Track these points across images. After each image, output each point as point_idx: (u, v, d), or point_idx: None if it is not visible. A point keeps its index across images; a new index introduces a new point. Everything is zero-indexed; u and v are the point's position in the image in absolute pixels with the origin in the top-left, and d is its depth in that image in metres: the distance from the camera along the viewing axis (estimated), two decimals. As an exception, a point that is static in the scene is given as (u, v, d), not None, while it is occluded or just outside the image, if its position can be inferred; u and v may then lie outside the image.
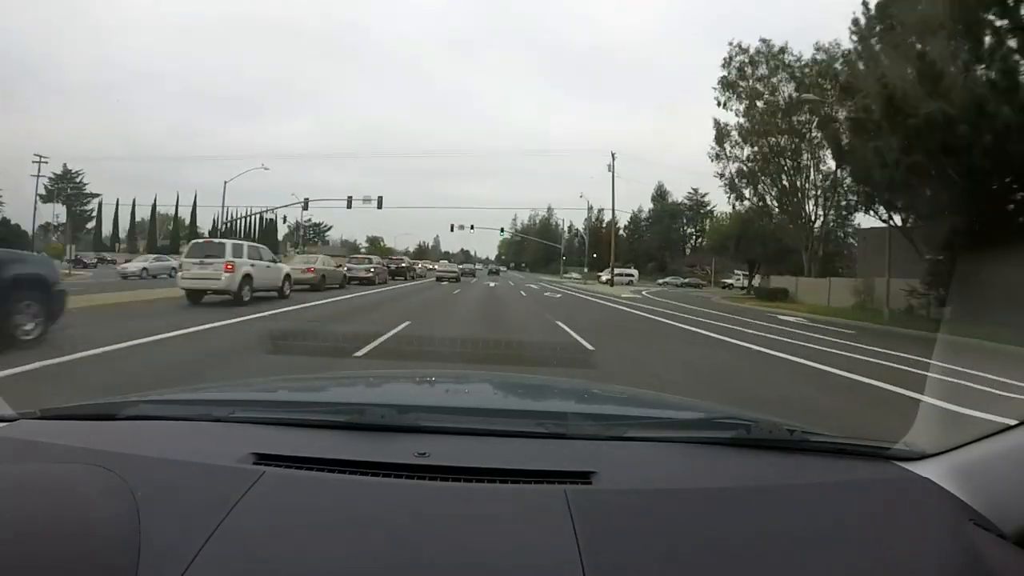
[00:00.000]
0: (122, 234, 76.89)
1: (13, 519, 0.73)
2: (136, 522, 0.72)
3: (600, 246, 62.84)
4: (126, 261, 31.60)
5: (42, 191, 49.44)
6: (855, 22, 17.37)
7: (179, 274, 12.91)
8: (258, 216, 62.75)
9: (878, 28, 16.30)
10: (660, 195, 78.77)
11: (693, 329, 12.07)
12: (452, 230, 72.78)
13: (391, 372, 2.43)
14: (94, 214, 73.04)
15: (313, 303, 13.25)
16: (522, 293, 23.80)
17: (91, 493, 0.79)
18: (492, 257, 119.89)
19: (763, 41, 29.55)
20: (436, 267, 30.57)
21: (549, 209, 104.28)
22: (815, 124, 25.49)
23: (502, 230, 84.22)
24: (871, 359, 8.60)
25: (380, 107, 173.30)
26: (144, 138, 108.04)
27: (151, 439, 1.01)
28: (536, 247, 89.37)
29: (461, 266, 47.87)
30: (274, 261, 14.86)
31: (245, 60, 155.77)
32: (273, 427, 1.06)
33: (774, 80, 29.43)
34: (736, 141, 30.66)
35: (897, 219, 17.69)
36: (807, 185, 29.23)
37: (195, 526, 0.72)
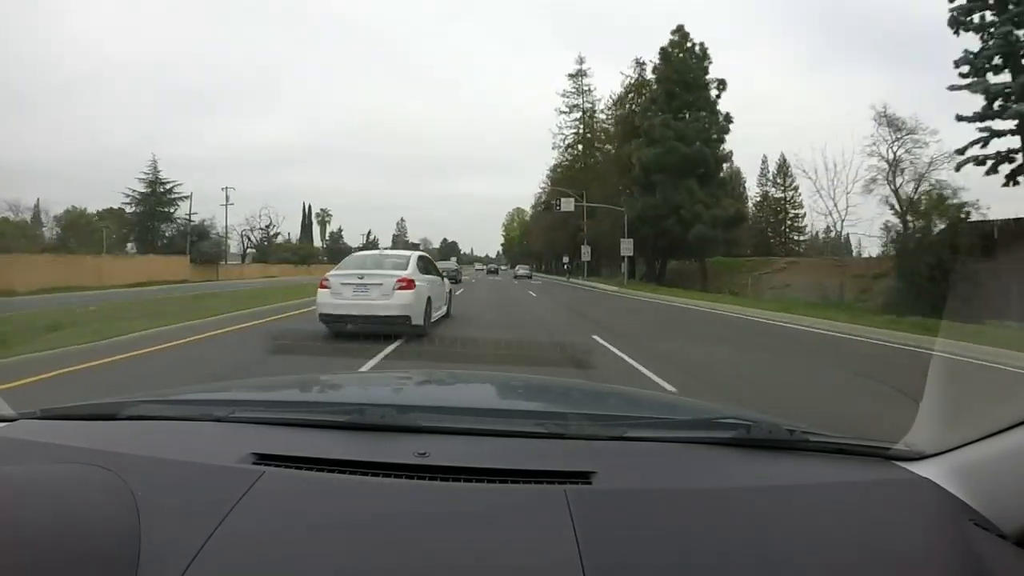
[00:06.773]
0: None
1: (13, 519, 0.73)
2: (136, 522, 0.72)
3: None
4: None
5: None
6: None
7: None
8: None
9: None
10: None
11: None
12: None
13: (391, 372, 2.43)
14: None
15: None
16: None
17: (91, 493, 0.79)
18: (493, 255, 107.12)
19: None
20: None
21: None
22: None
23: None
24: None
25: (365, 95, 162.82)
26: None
27: (151, 439, 1.01)
28: (610, 224, 36.13)
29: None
30: None
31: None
32: (273, 427, 1.06)
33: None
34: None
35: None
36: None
37: (195, 526, 0.72)
